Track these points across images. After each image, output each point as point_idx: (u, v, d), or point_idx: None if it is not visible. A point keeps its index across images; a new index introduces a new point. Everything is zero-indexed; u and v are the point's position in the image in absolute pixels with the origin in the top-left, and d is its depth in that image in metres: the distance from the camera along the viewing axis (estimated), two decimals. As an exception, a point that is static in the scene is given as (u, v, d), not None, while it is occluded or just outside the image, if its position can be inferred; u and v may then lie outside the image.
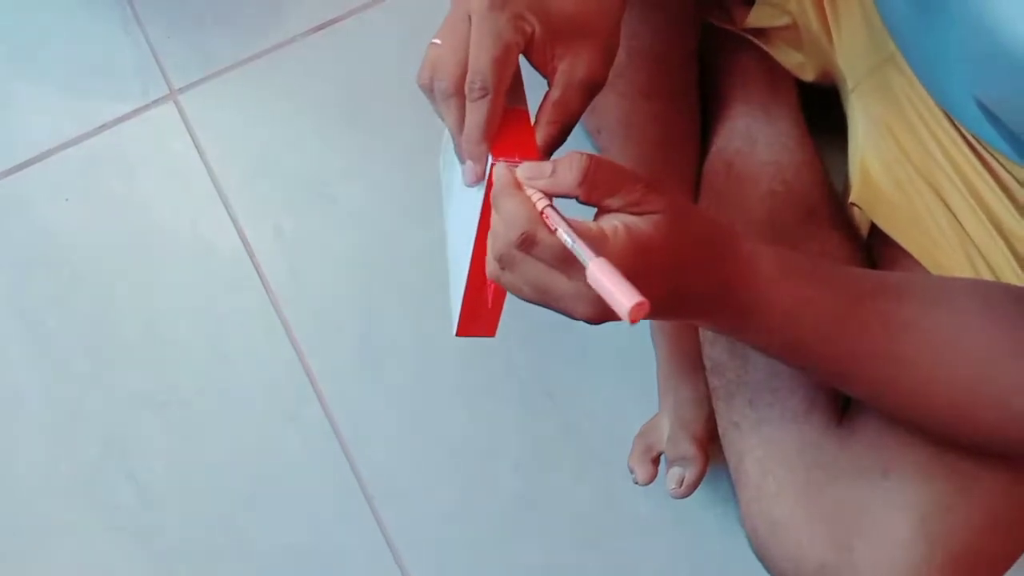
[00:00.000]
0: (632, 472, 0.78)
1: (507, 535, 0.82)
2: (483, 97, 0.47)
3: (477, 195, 0.50)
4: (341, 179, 0.90)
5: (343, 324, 0.87)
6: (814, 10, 0.74)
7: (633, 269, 0.40)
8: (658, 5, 0.73)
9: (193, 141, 0.91)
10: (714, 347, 0.71)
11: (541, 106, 0.50)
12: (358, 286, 0.88)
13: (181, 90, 0.92)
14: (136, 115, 0.91)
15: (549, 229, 0.43)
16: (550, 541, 0.82)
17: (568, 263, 0.42)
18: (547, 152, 0.50)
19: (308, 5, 0.94)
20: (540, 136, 0.50)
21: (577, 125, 0.82)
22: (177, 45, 0.93)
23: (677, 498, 0.76)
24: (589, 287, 0.40)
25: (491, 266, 0.46)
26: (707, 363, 0.72)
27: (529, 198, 0.44)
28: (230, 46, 0.93)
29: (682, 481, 0.75)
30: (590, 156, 0.44)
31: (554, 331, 0.86)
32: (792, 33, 0.77)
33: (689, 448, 0.76)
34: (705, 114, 0.81)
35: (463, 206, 0.53)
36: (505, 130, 0.49)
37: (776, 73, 0.80)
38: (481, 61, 0.47)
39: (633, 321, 0.38)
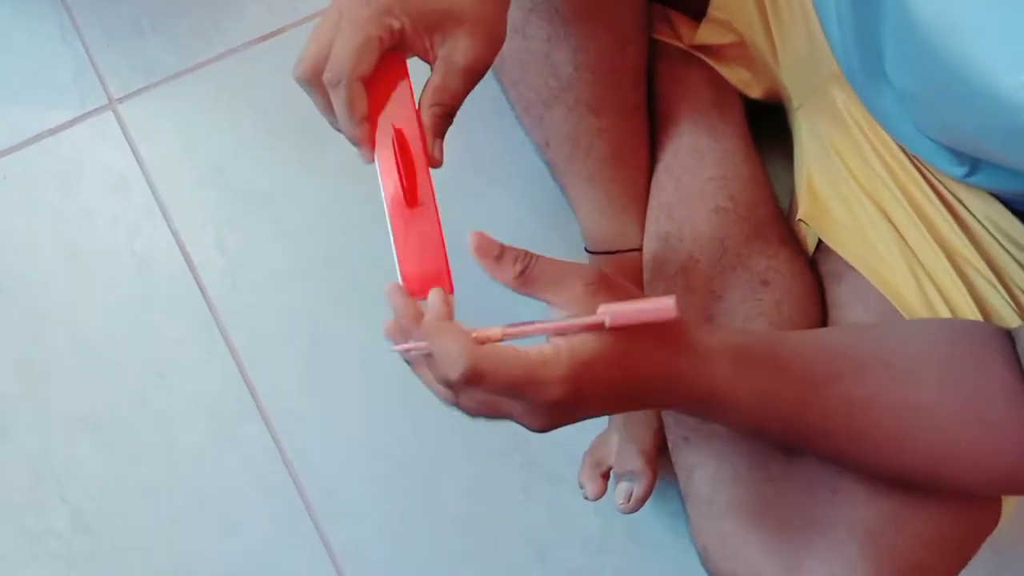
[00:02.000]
0: (582, 488, 0.78)
1: (457, 553, 0.82)
2: (338, 84, 0.50)
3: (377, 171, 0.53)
4: (284, 192, 0.89)
5: (287, 340, 0.86)
6: (761, 28, 0.75)
7: (575, 391, 0.43)
8: (605, 21, 0.74)
9: (132, 152, 0.89)
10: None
11: (423, 91, 0.53)
12: (302, 301, 0.87)
13: (120, 99, 0.91)
14: (73, 124, 0.90)
15: (494, 342, 0.44)
16: (500, 559, 0.82)
17: (518, 387, 0.43)
18: (435, 134, 0.53)
19: (250, 15, 0.93)
20: (425, 120, 0.52)
21: (525, 137, 0.82)
22: (116, 53, 0.91)
23: (625, 513, 0.76)
24: (543, 406, 0.43)
25: (441, 391, 0.47)
26: (656, 377, 0.72)
27: (462, 331, 0.44)
28: (171, 55, 0.92)
29: (630, 496, 0.75)
30: (534, 257, 0.46)
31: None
32: (739, 51, 0.78)
33: (637, 462, 0.76)
34: (653, 130, 0.82)
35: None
36: (391, 110, 0.52)
37: (723, 90, 0.81)
38: (337, 50, 0.50)
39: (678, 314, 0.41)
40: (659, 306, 0.42)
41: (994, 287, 0.64)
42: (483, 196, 0.90)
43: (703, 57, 0.80)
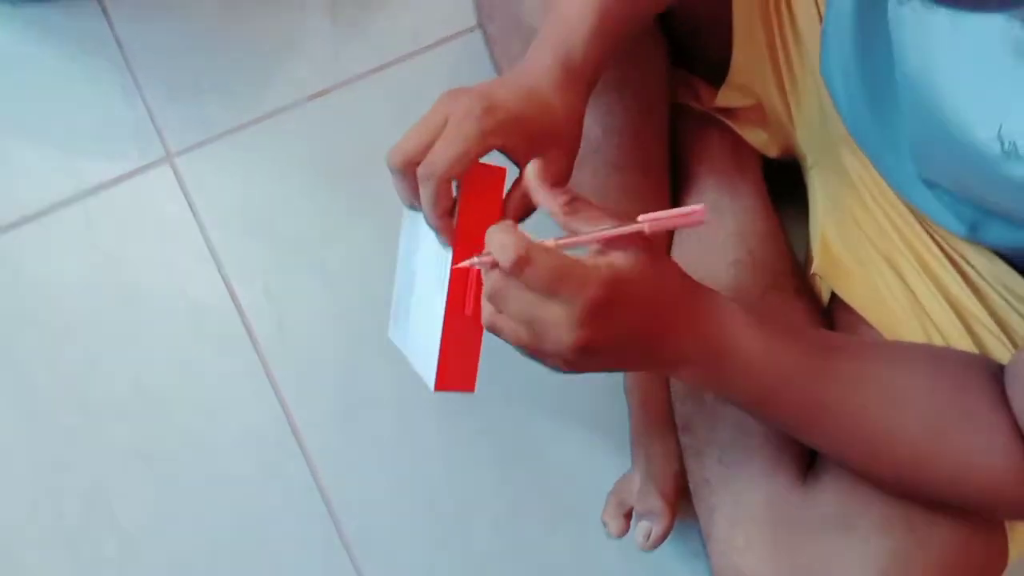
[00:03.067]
0: (605, 526, 0.80)
1: (484, 588, 0.84)
2: (428, 180, 0.53)
3: (446, 255, 0.56)
4: (328, 241, 0.92)
5: (327, 381, 0.89)
6: (777, 93, 0.78)
7: (610, 299, 0.46)
8: (632, 87, 0.77)
9: (188, 202, 0.93)
10: (684, 405, 0.73)
11: (510, 193, 0.56)
12: (342, 345, 0.90)
13: (178, 153, 0.94)
14: (133, 176, 0.93)
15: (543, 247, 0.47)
16: (526, 594, 0.84)
17: (561, 279, 0.46)
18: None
19: (302, 74, 0.97)
20: (508, 213, 0.56)
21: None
22: (174, 110, 0.95)
23: (645, 550, 0.78)
24: (579, 308, 0.45)
25: (486, 312, 0.50)
26: (678, 421, 0.74)
27: (516, 227, 0.48)
28: (226, 112, 0.95)
29: (649, 534, 0.78)
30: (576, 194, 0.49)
31: (531, 389, 0.88)
32: (757, 113, 0.81)
33: (657, 503, 0.78)
34: (674, 187, 0.85)
35: (431, 266, 0.58)
36: (478, 199, 0.55)
37: (742, 149, 0.84)
38: (437, 152, 0.53)
39: (705, 217, 0.44)
40: (691, 210, 0.45)
41: (1001, 342, 0.66)
42: None
43: (723, 119, 0.83)
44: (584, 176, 0.79)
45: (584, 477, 0.86)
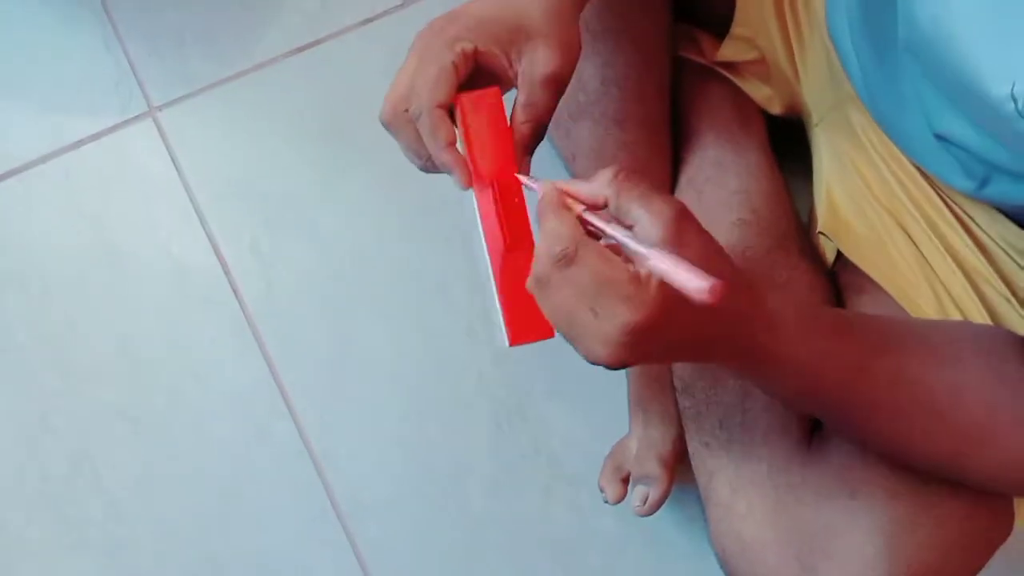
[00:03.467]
0: (602, 491, 0.79)
1: (478, 552, 0.83)
2: (420, 115, 0.51)
3: (472, 203, 0.53)
4: (318, 198, 0.91)
5: (318, 342, 0.87)
6: (782, 47, 0.77)
7: (654, 325, 0.42)
8: (632, 38, 0.75)
9: (171, 158, 0.91)
10: (684, 368, 0.72)
11: (512, 111, 0.54)
12: (333, 304, 0.88)
13: (160, 107, 0.92)
14: (114, 131, 0.91)
15: (593, 234, 0.44)
16: (521, 559, 0.83)
17: (606, 290, 0.43)
18: (525, 152, 0.53)
19: (288, 26, 0.95)
20: (517, 138, 0.53)
21: (555, 152, 0.84)
22: (157, 63, 0.93)
23: (641, 515, 0.77)
24: (618, 328, 0.42)
25: (531, 284, 0.47)
26: (677, 384, 0.73)
27: (574, 217, 0.45)
28: (210, 65, 0.93)
29: (646, 499, 0.77)
30: (623, 168, 0.46)
31: (527, 351, 0.86)
32: (761, 67, 0.80)
33: (655, 467, 0.77)
34: (676, 144, 0.83)
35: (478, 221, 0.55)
36: (479, 125, 0.52)
37: (745, 105, 0.82)
38: (417, 85, 0.51)
39: (712, 300, 0.38)
40: (697, 285, 0.39)
41: (1008, 300, 0.65)
42: None
43: (726, 73, 0.81)
44: (582, 130, 0.77)
45: (581, 441, 0.86)
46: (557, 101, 0.54)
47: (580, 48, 0.55)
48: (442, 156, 0.52)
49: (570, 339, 0.46)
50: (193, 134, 0.92)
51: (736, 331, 0.47)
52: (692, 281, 0.39)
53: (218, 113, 0.93)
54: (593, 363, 0.46)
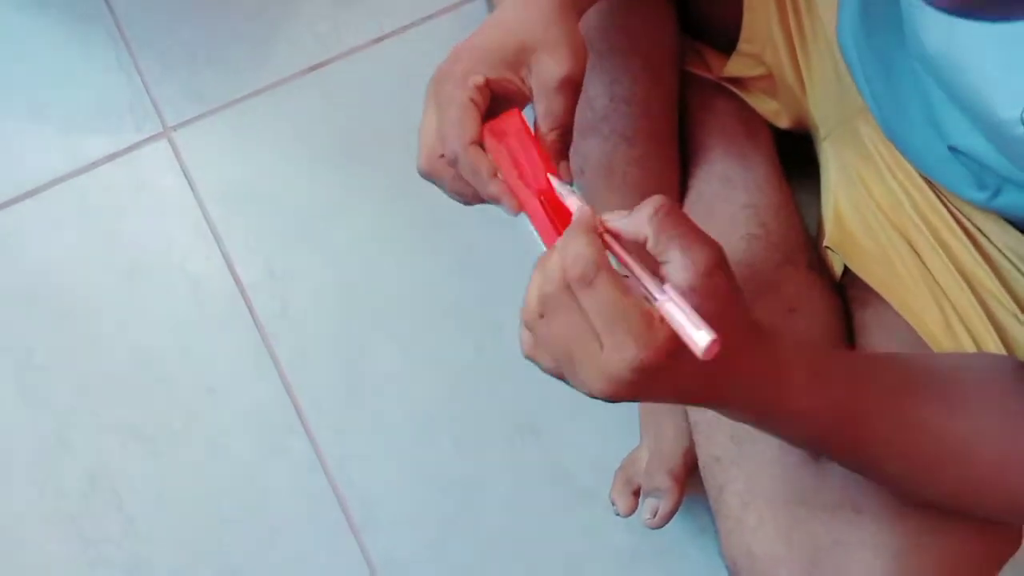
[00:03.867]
0: (614, 504, 0.79)
1: (491, 567, 0.83)
2: (456, 158, 0.52)
3: (528, 226, 0.54)
4: (332, 217, 0.91)
5: (332, 359, 0.88)
6: (789, 62, 0.77)
7: (661, 366, 0.41)
8: (639, 54, 0.76)
9: (186, 178, 0.92)
10: (694, 382, 0.72)
11: (535, 126, 0.54)
12: (347, 322, 0.89)
13: (175, 127, 0.93)
14: (129, 151, 0.92)
15: (614, 257, 0.42)
16: (533, 573, 0.84)
17: (617, 322, 0.41)
18: (559, 158, 0.54)
19: (300, 45, 0.96)
20: (547, 148, 0.53)
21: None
22: (171, 84, 0.94)
23: (652, 528, 0.77)
24: (623, 364, 0.40)
25: (527, 314, 0.44)
26: (687, 399, 0.73)
27: (601, 243, 0.43)
28: (224, 85, 0.94)
29: (656, 512, 0.77)
30: (668, 203, 0.43)
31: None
32: (768, 83, 0.80)
33: (664, 480, 0.77)
34: (684, 159, 0.83)
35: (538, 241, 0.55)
36: (509, 150, 0.53)
37: (752, 120, 0.82)
38: (443, 130, 0.52)
39: (706, 357, 0.37)
40: (697, 336, 0.38)
41: (1015, 316, 0.65)
42: (522, 220, 0.90)
43: (733, 89, 0.81)
44: (591, 146, 0.77)
45: (593, 455, 0.86)
46: (575, 104, 0.54)
47: (586, 50, 0.55)
48: (490, 190, 0.52)
49: (566, 370, 0.44)
50: (207, 153, 0.92)
51: (745, 384, 0.46)
52: (692, 332, 0.38)
53: (231, 132, 0.93)
54: (588, 395, 0.44)
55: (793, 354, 0.48)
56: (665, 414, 0.80)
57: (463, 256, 0.91)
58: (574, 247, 0.42)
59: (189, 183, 0.92)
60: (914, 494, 0.55)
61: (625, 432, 0.84)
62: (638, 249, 0.43)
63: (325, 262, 0.90)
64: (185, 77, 0.94)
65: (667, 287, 0.41)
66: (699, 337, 0.38)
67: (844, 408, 0.49)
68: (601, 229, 0.45)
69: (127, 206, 0.91)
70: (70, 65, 0.94)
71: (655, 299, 0.41)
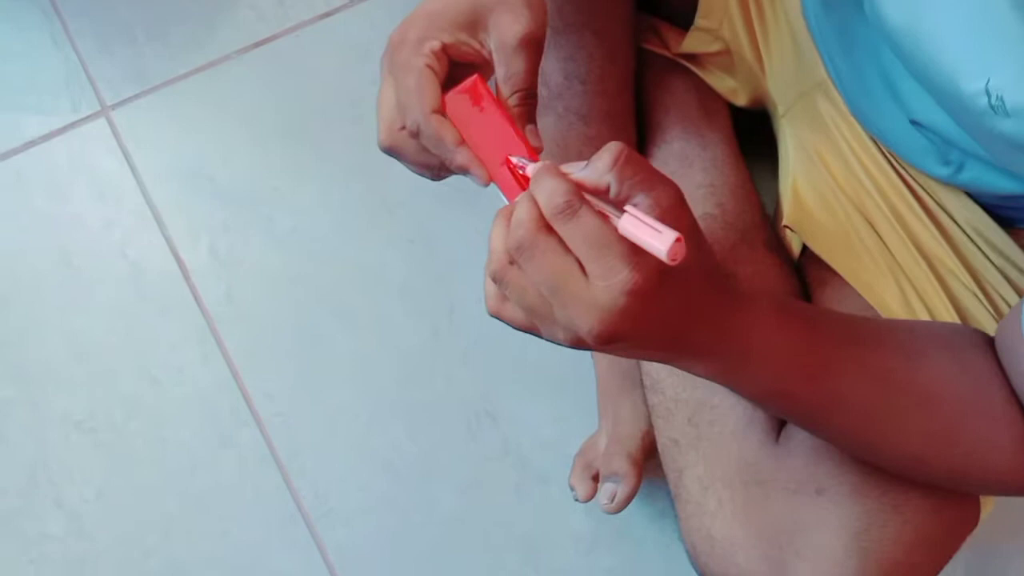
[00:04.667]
0: (573, 490, 0.79)
1: (448, 555, 0.82)
2: (417, 128, 0.50)
3: (498, 195, 0.51)
4: (277, 197, 0.90)
5: (280, 345, 0.86)
6: (746, 36, 0.76)
7: (651, 289, 0.41)
8: (595, 31, 0.74)
9: (126, 158, 0.89)
10: (652, 365, 0.71)
11: (496, 90, 0.52)
12: (296, 306, 0.87)
13: (113, 106, 0.91)
14: (66, 131, 0.90)
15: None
16: (491, 560, 0.83)
17: (606, 248, 0.40)
18: (525, 121, 0.52)
19: (243, 22, 0.93)
20: (513, 113, 0.51)
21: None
22: (109, 60, 0.91)
23: (609, 513, 0.77)
24: (614, 291, 0.40)
25: (495, 261, 0.43)
26: (645, 380, 0.72)
27: (569, 178, 0.43)
28: (163, 63, 0.92)
29: (614, 496, 0.76)
30: (625, 149, 0.43)
31: (494, 350, 0.86)
32: (725, 59, 0.79)
33: (623, 464, 0.77)
34: (640, 138, 0.82)
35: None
36: (481, 125, 0.51)
37: (709, 98, 0.81)
38: (402, 100, 0.50)
39: (673, 259, 0.38)
40: (661, 240, 0.39)
41: (974, 294, 0.65)
42: (476, 197, 0.90)
43: (689, 66, 0.81)
44: (546, 124, 0.76)
45: (550, 440, 0.85)
46: (538, 64, 0.52)
47: (544, 6, 0.53)
48: (456, 159, 0.50)
49: (542, 320, 0.43)
50: (147, 133, 0.90)
51: (714, 322, 0.46)
52: (656, 234, 0.39)
53: (172, 111, 0.91)
54: (570, 342, 0.44)
55: (758, 294, 0.49)
56: (623, 396, 0.79)
57: (415, 237, 0.89)
58: (548, 185, 0.42)
59: (129, 164, 0.89)
60: (877, 452, 0.55)
61: (583, 416, 0.83)
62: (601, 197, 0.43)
63: (272, 245, 0.89)
64: (124, 54, 0.92)
65: (628, 207, 0.41)
66: (664, 238, 0.38)
67: (808, 351, 0.49)
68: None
69: (64, 188, 0.88)
70: (2, 42, 0.91)
71: (617, 217, 0.41)
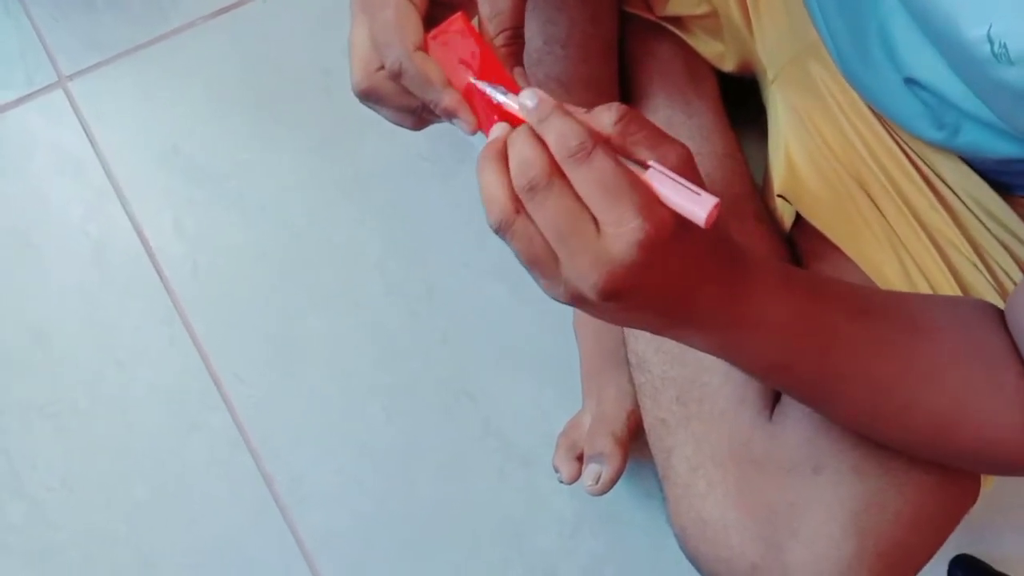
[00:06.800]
0: (557, 471, 0.77)
1: (428, 539, 0.81)
2: (399, 68, 0.46)
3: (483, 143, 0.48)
4: (244, 171, 0.88)
5: (250, 325, 0.85)
6: (735, -1, 0.74)
7: (664, 240, 0.39)
8: (576, -8, 0.72)
9: (85, 131, 0.88)
10: (638, 342, 0.70)
11: (481, 30, 0.49)
12: (267, 285, 0.86)
13: (71, 77, 0.89)
14: (21, 103, 0.88)
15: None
16: (473, 543, 0.82)
17: (622, 193, 0.38)
18: (512, 63, 0.49)
19: (207, -13, 0.92)
20: (499, 55, 0.48)
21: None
22: (65, 29, 0.89)
23: (594, 495, 0.75)
24: (626, 240, 0.38)
25: (501, 204, 0.40)
26: (631, 358, 0.71)
27: (578, 119, 0.40)
28: (124, 31, 0.90)
29: (598, 478, 0.75)
30: (629, 107, 0.41)
31: (474, 328, 0.85)
32: (712, 22, 0.77)
33: (607, 444, 0.75)
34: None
35: None
36: (458, 57, 0.47)
37: (696, 64, 0.79)
38: (379, 38, 0.46)
39: (708, 224, 0.37)
40: (699, 203, 0.38)
41: (974, 265, 0.64)
42: (454, 173, 0.89)
43: (675, 30, 0.78)
44: (525, 92, 0.73)
45: (533, 420, 0.84)
46: (522, 4, 0.49)
47: None
48: (445, 100, 0.46)
49: (551, 265, 0.41)
50: (108, 105, 0.88)
51: (718, 287, 0.44)
52: (694, 197, 0.37)
53: (134, 82, 0.89)
54: (570, 297, 0.41)
55: (762, 260, 0.47)
56: (607, 375, 0.78)
57: (391, 212, 0.88)
58: (559, 124, 0.39)
59: (88, 137, 0.87)
60: (881, 429, 0.54)
61: (566, 396, 0.82)
62: None
63: (240, 220, 0.87)
64: (81, 22, 0.90)
65: (652, 162, 0.39)
66: (703, 201, 0.37)
67: (812, 318, 0.48)
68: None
69: (20, 163, 0.86)
70: (-51, 9, 0.89)
71: (645, 168, 0.39)
